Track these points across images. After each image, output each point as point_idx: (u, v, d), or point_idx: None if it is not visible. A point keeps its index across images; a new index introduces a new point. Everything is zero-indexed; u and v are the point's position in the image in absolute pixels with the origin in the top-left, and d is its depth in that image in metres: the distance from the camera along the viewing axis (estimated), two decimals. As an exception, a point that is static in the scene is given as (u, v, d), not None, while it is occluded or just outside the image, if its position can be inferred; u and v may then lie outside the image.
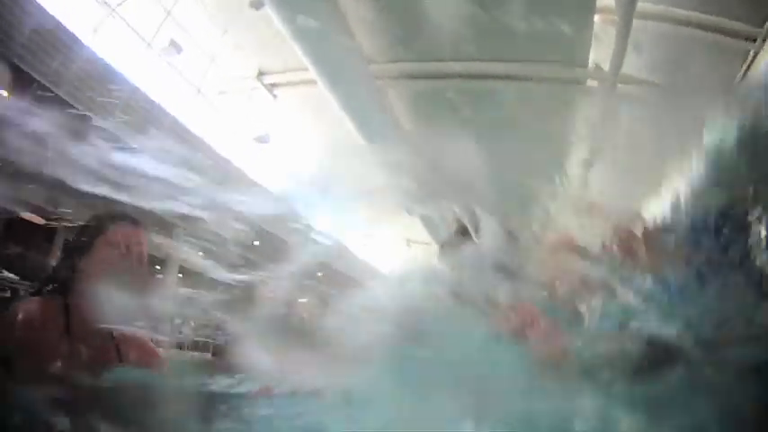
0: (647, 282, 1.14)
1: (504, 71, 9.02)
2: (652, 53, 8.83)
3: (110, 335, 1.50)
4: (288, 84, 11.46)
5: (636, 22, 7.89)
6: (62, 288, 1.50)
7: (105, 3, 8.89)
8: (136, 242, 1.57)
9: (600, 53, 8.85)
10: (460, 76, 9.19)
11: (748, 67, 8.90)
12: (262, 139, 12.31)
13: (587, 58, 9.01)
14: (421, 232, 16.36)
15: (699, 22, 8.44)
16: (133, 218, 1.60)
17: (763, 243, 1.08)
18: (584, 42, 8.66)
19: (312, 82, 9.66)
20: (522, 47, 8.85)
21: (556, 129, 10.57)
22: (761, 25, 8.31)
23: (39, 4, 7.36)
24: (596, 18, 8.45)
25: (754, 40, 8.45)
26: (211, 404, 1.20)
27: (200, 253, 1.63)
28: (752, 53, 8.62)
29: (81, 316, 1.42)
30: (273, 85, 11.68)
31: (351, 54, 9.03)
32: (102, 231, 1.55)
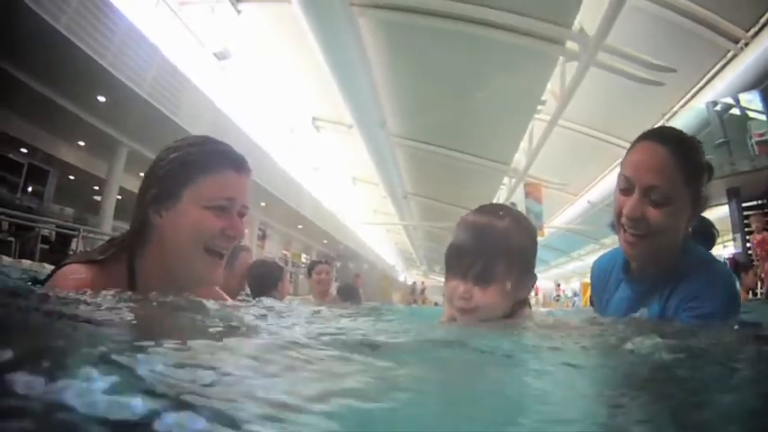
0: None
1: (485, 17, 8.62)
2: (637, 30, 8.75)
3: None
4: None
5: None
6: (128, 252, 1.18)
7: None
8: None
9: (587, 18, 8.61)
10: (440, 14, 8.74)
11: (725, 65, 9.06)
12: (222, 55, 11.50)
13: (573, 21, 8.75)
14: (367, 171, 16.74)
15: (690, 12, 8.42)
16: None
17: None
18: (573, 4, 8.39)
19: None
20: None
21: (526, 86, 10.46)
22: (747, 29, 8.41)
23: None
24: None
25: (737, 41, 8.55)
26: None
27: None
28: (731, 53, 8.76)
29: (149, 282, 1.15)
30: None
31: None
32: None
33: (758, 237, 7.50)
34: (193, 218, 1.11)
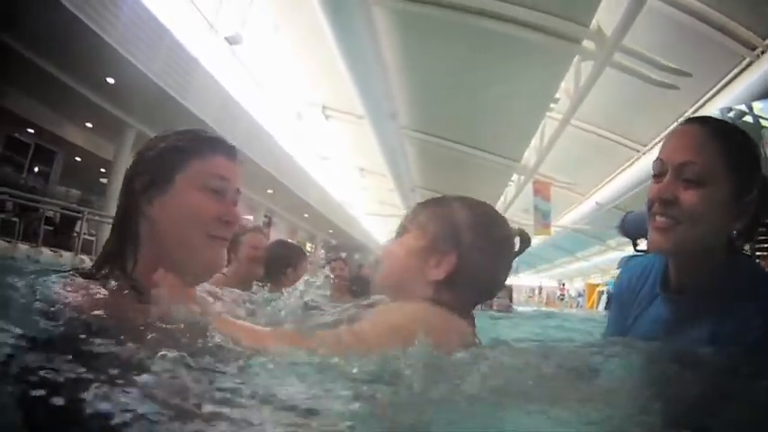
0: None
1: (502, 11, 8.49)
2: (654, 32, 8.59)
3: None
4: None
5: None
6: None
7: None
8: None
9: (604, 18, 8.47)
10: (456, 7, 8.62)
11: (740, 72, 8.89)
12: (233, 40, 11.42)
13: (591, 20, 8.61)
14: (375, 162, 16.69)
15: (707, 17, 8.22)
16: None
17: None
18: (592, 2, 8.24)
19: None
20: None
21: (540, 83, 10.34)
22: (764, 37, 8.24)
23: None
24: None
25: (753, 49, 8.38)
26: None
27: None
28: (747, 60, 8.58)
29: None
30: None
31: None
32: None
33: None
34: (188, 201, 1.04)
